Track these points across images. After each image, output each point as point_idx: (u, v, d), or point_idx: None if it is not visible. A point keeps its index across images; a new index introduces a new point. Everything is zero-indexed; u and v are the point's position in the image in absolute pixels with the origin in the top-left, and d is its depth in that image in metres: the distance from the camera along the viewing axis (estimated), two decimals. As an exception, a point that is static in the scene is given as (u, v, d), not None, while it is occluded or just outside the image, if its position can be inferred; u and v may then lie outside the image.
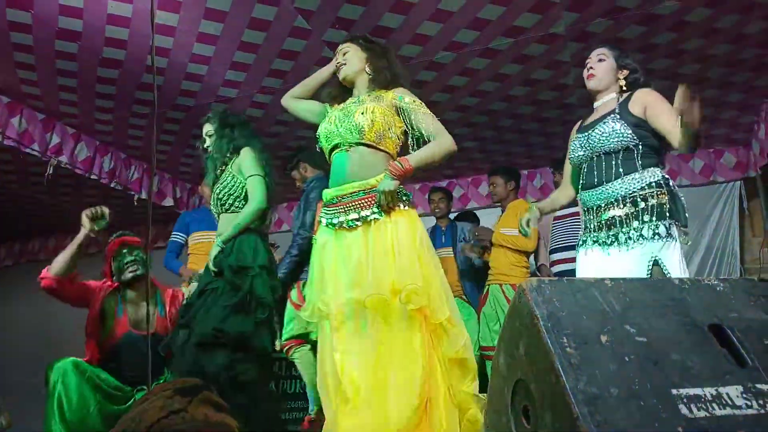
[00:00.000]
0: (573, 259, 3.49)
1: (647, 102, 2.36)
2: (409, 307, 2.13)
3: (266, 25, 3.32)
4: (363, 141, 2.35)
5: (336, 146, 2.42)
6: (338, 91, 2.59)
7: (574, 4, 3.15)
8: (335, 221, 2.34)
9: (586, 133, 2.48)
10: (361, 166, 2.34)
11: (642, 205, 2.30)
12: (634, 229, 2.31)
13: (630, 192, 2.34)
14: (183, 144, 4.83)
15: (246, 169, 2.85)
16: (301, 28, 3.33)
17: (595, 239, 2.44)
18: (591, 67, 2.55)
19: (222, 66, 3.73)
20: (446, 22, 3.30)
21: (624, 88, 2.50)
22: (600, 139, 2.41)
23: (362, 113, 2.35)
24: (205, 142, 3.06)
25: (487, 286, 4.13)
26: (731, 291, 1.33)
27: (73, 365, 2.77)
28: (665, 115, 2.29)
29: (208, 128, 3.04)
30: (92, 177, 4.74)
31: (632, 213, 2.32)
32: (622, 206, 2.35)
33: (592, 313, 1.21)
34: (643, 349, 1.14)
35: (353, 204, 2.31)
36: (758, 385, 1.11)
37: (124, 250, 3.13)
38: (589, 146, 2.46)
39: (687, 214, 2.32)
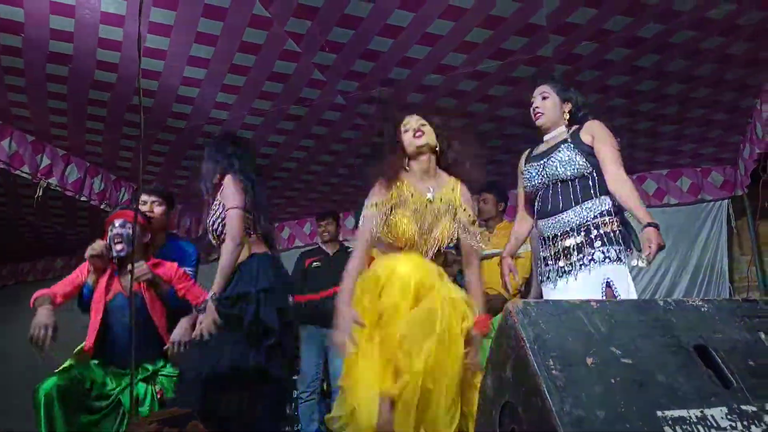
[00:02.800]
0: None
1: (594, 133, 2.52)
2: None
3: (256, 49, 3.34)
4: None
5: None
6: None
7: (560, 28, 3.19)
8: None
9: (542, 162, 2.60)
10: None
11: (594, 232, 2.44)
12: (586, 254, 2.43)
13: (584, 221, 2.47)
14: (173, 166, 4.83)
15: (226, 200, 2.78)
16: (291, 51, 3.36)
17: (556, 271, 2.55)
18: (536, 107, 2.68)
19: (213, 88, 3.75)
20: (435, 46, 3.34)
21: (568, 120, 2.65)
22: (556, 168, 2.53)
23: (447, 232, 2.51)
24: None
25: None
26: (716, 312, 1.34)
27: (57, 391, 2.62)
28: (605, 151, 2.46)
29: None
30: (82, 199, 4.73)
31: (586, 241, 2.45)
32: (576, 235, 2.48)
33: (578, 335, 1.21)
34: (629, 371, 1.15)
35: None
36: (743, 407, 1.12)
37: (117, 222, 2.93)
38: (545, 174, 2.57)
39: (639, 238, 2.38)
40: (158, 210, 3.34)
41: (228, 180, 2.83)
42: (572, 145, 2.53)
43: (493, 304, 4.16)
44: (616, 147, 2.49)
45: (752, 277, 4.81)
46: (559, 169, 2.53)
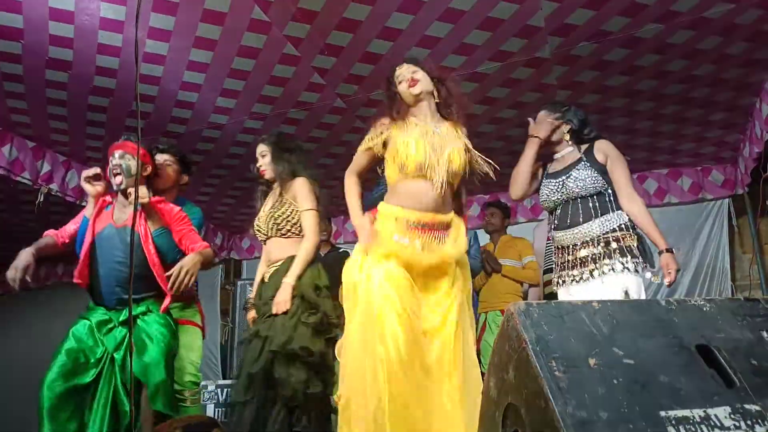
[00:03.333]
0: None
1: (607, 152, 2.68)
2: None
3: (255, 53, 3.35)
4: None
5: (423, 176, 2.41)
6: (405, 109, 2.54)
7: (558, 29, 3.20)
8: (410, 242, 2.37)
9: (560, 180, 2.72)
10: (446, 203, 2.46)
11: (614, 245, 2.57)
12: (605, 264, 2.56)
13: (603, 233, 2.60)
14: (174, 170, 4.83)
15: (302, 202, 2.90)
16: (290, 55, 3.37)
17: (572, 278, 2.67)
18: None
19: (212, 93, 3.75)
20: (434, 48, 3.34)
21: (570, 139, 2.79)
22: (576, 185, 2.66)
23: (458, 154, 2.45)
24: (256, 161, 3.06)
25: (483, 315, 4.18)
26: (718, 311, 1.34)
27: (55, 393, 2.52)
28: (618, 173, 2.64)
29: (262, 149, 3.04)
30: (83, 204, 4.72)
31: (605, 252, 2.58)
32: (595, 246, 2.61)
33: (580, 336, 1.21)
34: (631, 372, 1.14)
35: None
36: (746, 406, 1.12)
37: (116, 154, 2.78)
38: (564, 191, 2.70)
39: (659, 261, 2.58)
40: (170, 170, 3.20)
41: (302, 182, 2.94)
42: (588, 164, 2.68)
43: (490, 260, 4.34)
44: (626, 166, 2.68)
45: (754, 275, 4.80)
46: (578, 187, 2.66)
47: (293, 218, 2.92)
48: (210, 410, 4.18)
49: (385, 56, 3.40)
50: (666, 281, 2.51)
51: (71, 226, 2.92)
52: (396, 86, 2.56)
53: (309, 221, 2.89)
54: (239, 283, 4.69)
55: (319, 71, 3.54)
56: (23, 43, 3.22)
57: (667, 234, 5.05)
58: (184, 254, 2.72)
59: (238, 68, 3.49)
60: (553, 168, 2.84)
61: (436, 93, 2.54)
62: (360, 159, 2.58)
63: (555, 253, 2.80)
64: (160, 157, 3.17)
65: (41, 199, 4.39)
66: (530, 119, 2.89)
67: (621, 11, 3.06)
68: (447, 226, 2.44)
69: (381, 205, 2.46)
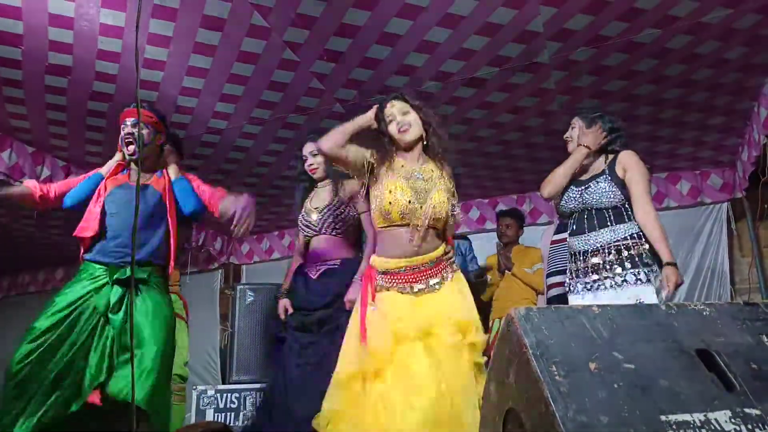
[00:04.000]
0: None
1: (627, 166, 2.71)
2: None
3: (255, 58, 3.36)
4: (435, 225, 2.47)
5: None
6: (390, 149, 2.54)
7: (557, 34, 3.21)
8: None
9: (580, 189, 2.77)
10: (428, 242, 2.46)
11: (625, 253, 2.61)
12: (618, 274, 2.59)
13: (614, 241, 2.64)
14: (173, 175, 4.84)
15: (363, 204, 2.93)
16: (290, 60, 3.38)
17: (583, 285, 2.72)
18: (566, 135, 2.91)
19: (212, 98, 3.76)
20: (433, 53, 3.35)
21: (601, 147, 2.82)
22: (594, 198, 2.71)
23: (442, 198, 2.45)
24: (306, 160, 3.06)
25: (497, 321, 4.21)
26: (718, 315, 1.34)
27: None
28: (635, 186, 2.65)
29: (312, 148, 3.03)
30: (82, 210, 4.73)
31: (616, 260, 2.61)
32: (607, 254, 2.64)
33: (580, 341, 1.21)
34: (632, 376, 1.14)
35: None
36: (746, 410, 1.12)
37: (128, 121, 2.75)
38: (583, 201, 2.75)
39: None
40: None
41: (355, 185, 2.94)
42: (608, 177, 2.72)
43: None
44: (647, 178, 2.69)
45: (753, 279, 4.81)
46: (595, 200, 2.71)
47: (350, 219, 3.00)
48: (210, 415, 4.17)
49: (384, 61, 3.41)
50: (663, 293, 2.53)
51: (65, 185, 2.83)
52: (386, 124, 2.53)
53: (366, 223, 2.97)
54: (239, 287, 4.67)
55: (319, 76, 3.55)
56: (23, 49, 3.23)
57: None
58: (200, 212, 2.73)
59: (237, 73, 3.50)
60: (579, 177, 2.86)
61: (424, 135, 2.54)
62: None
63: (569, 259, 2.86)
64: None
65: (41, 205, 4.39)
66: (577, 122, 2.87)
67: (619, 16, 3.07)
68: (439, 260, 2.46)
69: (373, 259, 2.51)
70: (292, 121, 4.07)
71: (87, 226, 2.65)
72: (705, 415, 1.09)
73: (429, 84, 3.67)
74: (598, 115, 2.84)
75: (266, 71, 3.49)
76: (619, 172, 2.71)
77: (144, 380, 2.40)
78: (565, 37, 3.24)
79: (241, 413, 4.15)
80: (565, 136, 2.92)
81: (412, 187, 2.42)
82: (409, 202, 2.39)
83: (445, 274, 2.45)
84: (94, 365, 2.46)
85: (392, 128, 2.51)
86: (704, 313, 1.34)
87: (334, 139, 2.51)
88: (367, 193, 2.59)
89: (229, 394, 4.18)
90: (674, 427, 1.05)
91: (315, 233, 3.03)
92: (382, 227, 2.48)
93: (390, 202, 2.40)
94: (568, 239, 2.87)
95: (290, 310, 2.99)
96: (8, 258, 7.02)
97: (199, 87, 3.63)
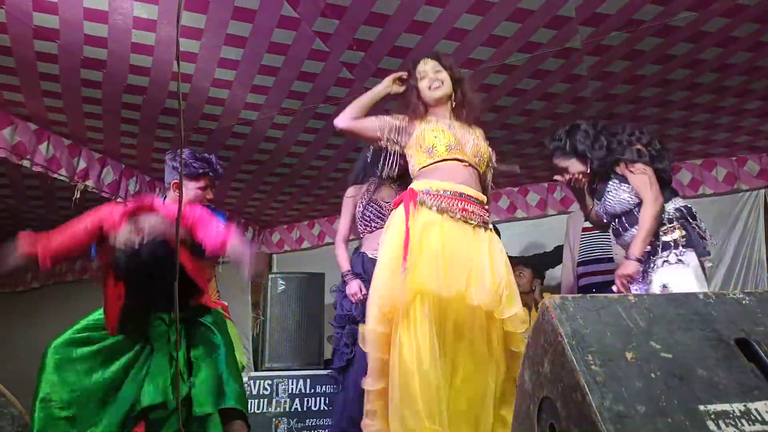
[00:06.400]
0: (601, 272, 3.65)
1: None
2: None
3: (285, 49, 3.38)
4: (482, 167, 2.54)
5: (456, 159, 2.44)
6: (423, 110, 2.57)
7: (589, 19, 3.16)
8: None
9: (600, 200, 2.84)
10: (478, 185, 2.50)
11: (658, 242, 2.60)
12: (651, 261, 2.61)
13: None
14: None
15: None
16: (319, 50, 3.39)
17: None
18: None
19: (243, 89, 3.79)
20: (462, 40, 3.33)
21: None
22: (610, 207, 2.77)
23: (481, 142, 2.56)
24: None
25: None
26: (757, 304, 1.32)
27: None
28: (636, 185, 2.66)
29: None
30: (118, 200, 4.83)
31: (651, 250, 2.61)
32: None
33: (616, 330, 1.21)
34: (669, 366, 1.14)
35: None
36: (787, 400, 1.10)
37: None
38: (605, 212, 2.83)
39: (707, 240, 2.70)
40: (208, 193, 3.01)
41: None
42: (617, 182, 2.74)
43: None
44: (642, 172, 2.65)
45: (790, 267, 4.70)
46: (612, 208, 2.77)
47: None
48: (243, 402, 4.25)
49: (413, 50, 3.39)
50: (614, 288, 2.58)
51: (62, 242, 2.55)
52: (417, 81, 2.56)
53: None
54: (270, 276, 4.73)
55: (348, 66, 3.56)
56: (59, 44, 3.29)
57: (702, 225, 4.93)
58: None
59: (267, 64, 3.52)
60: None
61: (453, 95, 2.58)
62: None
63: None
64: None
65: (77, 196, 4.50)
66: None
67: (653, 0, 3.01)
68: (483, 205, 2.46)
69: (414, 184, 2.44)
70: (322, 111, 4.09)
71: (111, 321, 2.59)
72: (745, 405, 1.07)
73: (459, 71, 3.64)
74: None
75: (296, 62, 3.51)
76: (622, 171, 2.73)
77: (232, 383, 2.53)
78: (597, 22, 3.19)
79: (274, 400, 4.21)
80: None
81: (453, 133, 2.48)
82: (454, 137, 2.45)
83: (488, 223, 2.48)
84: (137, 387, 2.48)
85: (423, 84, 2.54)
86: (743, 302, 1.32)
87: (351, 113, 2.54)
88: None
89: (261, 381, 4.23)
90: (713, 417, 1.04)
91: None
92: (425, 165, 2.44)
93: (435, 136, 2.43)
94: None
95: (364, 291, 3.05)
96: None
97: (231, 78, 3.66)
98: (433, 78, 2.53)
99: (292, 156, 4.79)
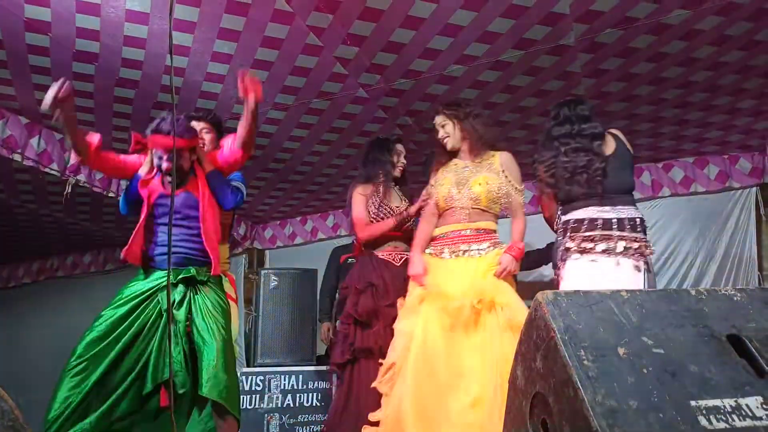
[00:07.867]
0: None
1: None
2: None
3: (279, 43, 3.36)
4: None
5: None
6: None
7: (583, 16, 3.16)
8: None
9: None
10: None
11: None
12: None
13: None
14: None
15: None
16: (313, 45, 3.37)
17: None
18: None
19: (236, 84, 3.76)
20: (457, 36, 3.33)
21: None
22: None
23: (481, 183, 2.97)
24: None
25: None
26: (749, 301, 1.33)
27: None
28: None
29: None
30: (110, 195, 4.80)
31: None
32: None
33: (608, 326, 1.21)
34: (661, 361, 1.14)
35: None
36: (778, 396, 1.11)
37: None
38: None
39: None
40: (207, 138, 3.21)
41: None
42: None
43: None
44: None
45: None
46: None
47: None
48: (235, 398, 4.25)
49: (407, 45, 3.39)
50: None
51: (109, 160, 2.91)
52: (437, 133, 3.10)
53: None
54: (263, 272, 4.73)
55: (342, 61, 3.55)
56: (51, 36, 3.27)
57: (693, 223, 4.99)
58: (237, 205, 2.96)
59: (261, 59, 3.51)
60: None
61: (463, 136, 3.04)
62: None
63: None
64: (197, 125, 3.13)
65: (69, 190, 4.46)
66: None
67: (647, -3, 3.01)
68: (480, 232, 2.94)
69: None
70: (315, 106, 4.07)
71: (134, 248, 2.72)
72: (736, 401, 1.08)
73: (453, 68, 3.64)
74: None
75: (290, 56, 3.49)
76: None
77: (218, 375, 2.54)
78: (591, 19, 3.19)
79: (266, 395, 4.21)
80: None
81: (455, 179, 2.99)
82: (449, 191, 2.98)
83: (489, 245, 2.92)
84: (155, 360, 2.56)
85: (439, 136, 3.10)
86: (735, 299, 1.33)
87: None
88: None
89: (254, 377, 4.24)
90: (704, 412, 1.05)
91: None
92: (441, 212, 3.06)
93: (438, 191, 3.03)
94: None
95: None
96: (37, 243, 7.16)
97: (224, 73, 3.64)
98: (442, 135, 3.06)
99: (285, 151, 4.77)
